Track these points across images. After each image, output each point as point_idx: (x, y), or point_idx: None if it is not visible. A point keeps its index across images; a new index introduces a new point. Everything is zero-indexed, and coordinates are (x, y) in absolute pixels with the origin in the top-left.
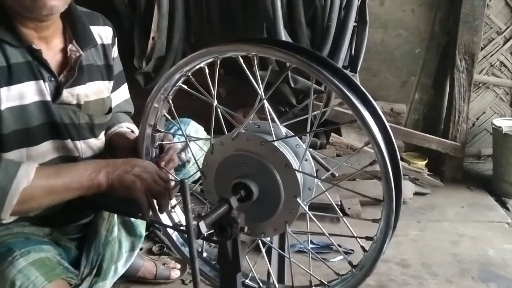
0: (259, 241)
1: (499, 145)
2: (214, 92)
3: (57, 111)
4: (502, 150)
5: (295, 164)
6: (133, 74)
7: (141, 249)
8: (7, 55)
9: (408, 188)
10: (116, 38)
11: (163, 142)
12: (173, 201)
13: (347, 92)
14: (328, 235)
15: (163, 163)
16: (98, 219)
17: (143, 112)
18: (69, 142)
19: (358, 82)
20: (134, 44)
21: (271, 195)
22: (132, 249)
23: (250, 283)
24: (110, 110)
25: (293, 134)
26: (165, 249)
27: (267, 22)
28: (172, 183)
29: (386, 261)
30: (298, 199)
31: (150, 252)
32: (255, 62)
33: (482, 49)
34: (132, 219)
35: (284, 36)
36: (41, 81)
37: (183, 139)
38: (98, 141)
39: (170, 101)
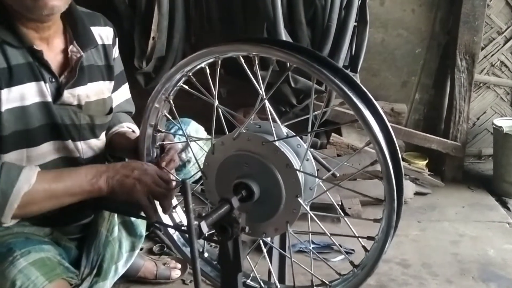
0: (260, 241)
1: (500, 145)
2: (215, 92)
3: (58, 112)
4: (502, 150)
5: (296, 164)
6: (133, 74)
7: (141, 249)
8: (8, 56)
9: (408, 188)
10: (116, 38)
11: (164, 142)
12: (174, 201)
13: (348, 92)
14: (329, 235)
15: (163, 163)
16: (98, 219)
17: (144, 113)
18: (70, 142)
19: (358, 82)
20: (134, 44)
21: (272, 195)
22: (132, 249)
23: (252, 283)
24: (111, 110)
25: (294, 134)
26: (165, 249)
27: (267, 22)
28: (173, 183)
29: (386, 261)
30: (299, 199)
31: (150, 252)
32: (256, 62)
33: (482, 49)
34: (133, 219)
35: (284, 36)
36: (42, 82)
37: (183, 139)
38: (99, 142)
39: (171, 101)
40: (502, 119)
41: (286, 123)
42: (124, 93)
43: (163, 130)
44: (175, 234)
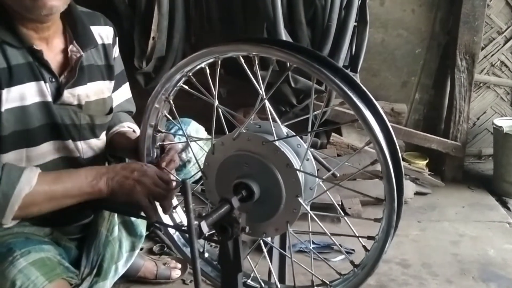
0: (261, 241)
1: (500, 145)
2: (215, 92)
3: (58, 112)
4: (502, 150)
5: (296, 163)
6: (133, 74)
7: (141, 249)
8: (8, 56)
9: (408, 188)
10: (117, 38)
11: (164, 143)
12: (175, 202)
13: (348, 92)
14: (330, 234)
15: (164, 164)
16: (98, 219)
17: (144, 113)
18: (70, 142)
19: (358, 82)
20: (134, 44)
21: (272, 195)
22: (132, 249)
23: (252, 283)
24: (111, 110)
25: (294, 134)
26: (165, 249)
27: (267, 22)
28: (174, 184)
29: (386, 261)
30: (299, 199)
31: (150, 252)
32: (256, 62)
33: (482, 49)
34: (133, 219)
35: (284, 36)
36: (42, 82)
37: (184, 139)
38: (99, 141)
39: (171, 102)
40: (502, 119)
41: (286, 123)
42: (124, 93)
43: (163, 130)
44: (176, 234)
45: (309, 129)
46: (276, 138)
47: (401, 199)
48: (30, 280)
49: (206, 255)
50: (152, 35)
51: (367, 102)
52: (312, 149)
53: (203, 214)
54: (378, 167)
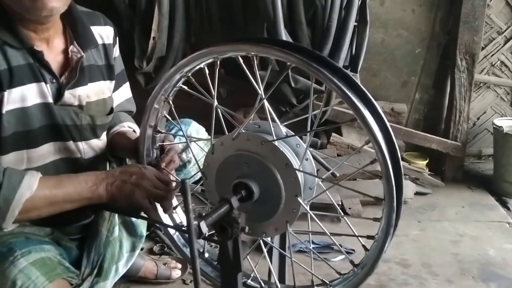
0: (260, 241)
1: (500, 145)
2: (214, 93)
3: (58, 113)
4: (502, 150)
5: (295, 163)
6: (133, 74)
7: (142, 249)
8: (8, 57)
9: (408, 188)
10: (117, 38)
11: (164, 143)
12: (175, 202)
13: (347, 91)
14: (329, 234)
15: (163, 164)
16: (99, 219)
17: (144, 114)
18: (71, 143)
19: (358, 82)
20: (134, 44)
21: (272, 194)
22: (133, 249)
23: (252, 283)
24: (111, 110)
25: (293, 134)
26: (166, 249)
27: (267, 22)
28: (173, 184)
29: (386, 261)
30: (299, 199)
31: (151, 252)
32: (255, 62)
33: (482, 49)
34: (133, 219)
35: (284, 36)
36: (43, 83)
37: (184, 139)
38: (100, 142)
39: (171, 102)
40: (502, 119)
41: (285, 123)
42: (125, 92)
43: (163, 131)
44: (176, 234)
45: (308, 129)
46: (275, 138)
47: (400, 199)
48: (31, 280)
49: (206, 255)
50: (152, 35)
51: (366, 102)
52: (311, 149)
53: (203, 214)
54: (378, 166)
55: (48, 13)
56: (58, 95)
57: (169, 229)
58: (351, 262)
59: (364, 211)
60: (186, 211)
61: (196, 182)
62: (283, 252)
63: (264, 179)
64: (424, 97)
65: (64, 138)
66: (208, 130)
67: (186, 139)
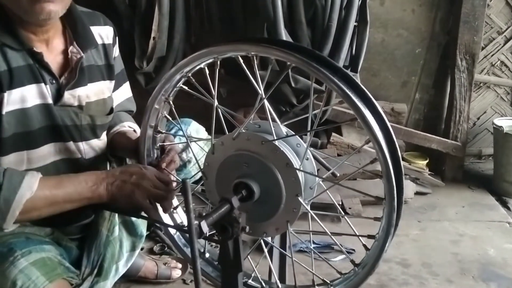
0: (261, 241)
1: (500, 145)
2: (214, 93)
3: (58, 114)
4: (503, 150)
5: (296, 163)
6: (133, 74)
7: (142, 249)
8: (8, 58)
9: (409, 187)
10: (117, 37)
11: (164, 143)
12: (175, 202)
13: (347, 91)
14: (330, 234)
15: (164, 165)
16: (99, 219)
17: (144, 114)
18: (71, 144)
19: (359, 82)
20: (134, 44)
21: (272, 194)
22: (133, 248)
23: (253, 283)
24: (111, 110)
25: (294, 133)
26: (166, 248)
27: (268, 22)
28: (174, 184)
29: (386, 260)
30: (299, 198)
31: (151, 251)
32: (255, 62)
33: (482, 48)
34: (133, 219)
35: (284, 36)
36: (43, 84)
37: (184, 139)
38: (100, 142)
39: (171, 102)
40: (502, 118)
41: (285, 123)
42: (125, 92)
43: (164, 131)
44: (176, 234)
45: (309, 129)
46: (275, 138)
47: (401, 198)
48: (31, 280)
49: (207, 255)
50: (152, 35)
51: (366, 101)
52: (311, 149)
53: (203, 214)
54: (378, 166)
55: (47, 17)
56: (58, 95)
57: (169, 229)
58: (352, 261)
59: (364, 210)
60: (187, 211)
61: (196, 182)
62: (284, 252)
63: (264, 179)
64: (424, 97)
65: (64, 139)
66: (209, 130)
67: (187, 139)
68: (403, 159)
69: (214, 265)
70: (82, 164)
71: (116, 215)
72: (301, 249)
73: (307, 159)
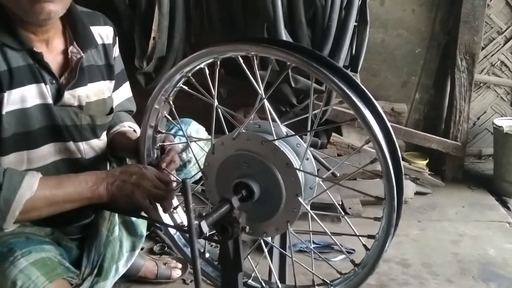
0: (261, 241)
1: (500, 145)
2: (214, 93)
3: (58, 114)
4: (503, 150)
5: (296, 163)
6: (133, 74)
7: (142, 249)
8: (8, 58)
9: (409, 187)
10: (117, 37)
11: (164, 143)
12: (175, 202)
13: (347, 91)
14: (330, 234)
15: (164, 164)
16: (99, 219)
17: (144, 114)
18: (71, 144)
19: (359, 82)
20: (134, 44)
21: (272, 194)
22: (133, 248)
23: (253, 283)
24: (111, 110)
25: (294, 133)
26: (166, 248)
27: (268, 22)
28: (174, 184)
29: (386, 260)
30: (299, 198)
31: (151, 251)
32: (255, 62)
33: (482, 48)
34: (133, 219)
35: (284, 36)
36: (42, 84)
37: (184, 139)
38: (100, 142)
39: (171, 102)
40: (502, 118)
41: (285, 123)
42: (125, 92)
43: (164, 131)
44: (176, 234)
45: (309, 129)
46: (275, 138)
47: (401, 198)
48: (31, 280)
49: (207, 255)
50: (152, 35)
51: (366, 101)
52: (311, 149)
53: (203, 214)
54: (378, 166)
55: (47, 17)
56: (58, 95)
57: (169, 229)
58: (352, 261)
59: (364, 210)
60: (187, 211)
61: (196, 182)
62: (284, 252)
63: (264, 179)
64: (424, 97)
65: (64, 139)
66: (209, 130)
67: (187, 139)
68: (403, 159)
69: (214, 265)
70: (82, 164)
71: (116, 215)
72: (301, 249)
73: (307, 159)
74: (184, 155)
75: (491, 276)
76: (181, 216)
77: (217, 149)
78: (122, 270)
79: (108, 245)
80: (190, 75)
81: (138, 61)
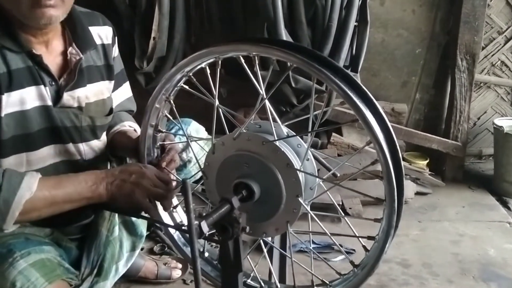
0: (261, 241)
1: (500, 145)
2: (215, 92)
3: (58, 115)
4: (503, 150)
5: (296, 163)
6: (133, 74)
7: (142, 249)
8: (8, 61)
9: (409, 188)
10: (116, 37)
11: (165, 142)
12: (175, 201)
13: (348, 92)
14: (330, 234)
15: (164, 164)
16: (99, 219)
17: (145, 113)
18: (70, 145)
19: (359, 82)
20: (134, 44)
21: (272, 195)
22: (133, 249)
23: (252, 283)
24: (111, 111)
25: (295, 134)
26: (166, 248)
27: (268, 22)
28: (174, 183)
29: (387, 261)
30: (299, 199)
31: (151, 252)
32: (256, 62)
33: (483, 48)
34: (133, 219)
35: (285, 36)
36: (42, 86)
37: (184, 139)
38: (100, 142)
39: (172, 102)
40: (502, 118)
41: (286, 123)
42: (125, 92)
43: (164, 130)
44: (176, 234)
45: (310, 129)
46: (276, 138)
47: (401, 200)
48: (30, 281)
49: (206, 254)
50: (152, 35)
51: (368, 102)
52: (312, 149)
53: (204, 214)
54: (379, 167)
55: (47, 21)
56: (57, 97)
57: (169, 228)
58: (351, 262)
59: (364, 211)
60: (187, 210)
61: (196, 181)
62: (284, 252)
63: (265, 179)
64: (425, 97)
65: (63, 140)
66: (209, 130)
67: (187, 139)
68: (403, 159)
69: (214, 265)
70: (81, 165)
71: (116, 215)
72: (302, 249)
73: (308, 159)
74: (184, 154)
75: (492, 276)
76: (180, 215)
77: (217, 149)
78: (122, 270)
79: (108, 245)
80: (191, 74)
81: (138, 61)
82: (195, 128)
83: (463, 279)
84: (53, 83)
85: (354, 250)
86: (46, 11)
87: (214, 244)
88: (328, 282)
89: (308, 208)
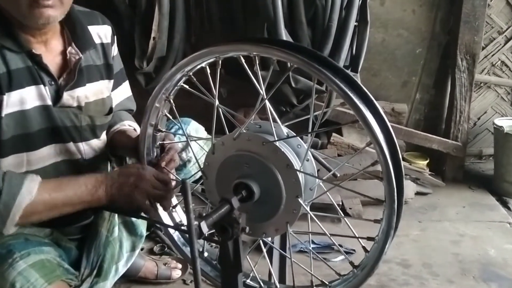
0: (260, 241)
1: (501, 145)
2: (215, 92)
3: (58, 115)
4: (503, 150)
5: (296, 164)
6: (133, 74)
7: (142, 249)
8: (7, 61)
9: (409, 188)
10: (115, 36)
11: (164, 142)
12: (174, 201)
13: (348, 92)
14: (329, 235)
15: (163, 163)
16: (98, 220)
17: (145, 113)
18: (71, 145)
19: (359, 82)
20: (134, 44)
21: (272, 195)
22: (133, 249)
23: (252, 283)
24: (110, 110)
25: (295, 134)
26: (166, 249)
27: (268, 22)
28: (173, 183)
29: (387, 261)
30: (299, 199)
31: (151, 252)
32: (257, 62)
33: (483, 48)
34: (133, 219)
35: (285, 36)
36: (42, 86)
37: (183, 138)
38: (100, 142)
39: (172, 101)
40: (502, 118)
41: (286, 123)
42: (124, 91)
43: (164, 130)
44: (175, 234)
45: (310, 130)
46: (276, 139)
47: (401, 200)
48: (30, 282)
49: (206, 254)
50: (152, 35)
51: (368, 103)
52: (312, 150)
53: (203, 214)
54: (379, 167)
55: (46, 21)
56: (57, 97)
57: (169, 228)
58: (351, 263)
59: (364, 211)
60: (187, 211)
61: (196, 182)
62: (283, 253)
63: (264, 180)
64: (425, 97)
65: (63, 140)
66: (209, 130)
67: (187, 138)
68: (404, 159)
69: (213, 265)
70: (82, 165)
71: (116, 215)
72: (301, 249)
73: (308, 160)
74: (184, 154)
75: (492, 276)
76: (180, 215)
77: (217, 149)
78: (122, 270)
79: (107, 245)
80: (191, 74)
81: (138, 61)
82: (194, 128)
83: (463, 279)
84: (53, 83)
85: (354, 250)
86: (44, 11)
87: (213, 244)
88: (327, 283)
89: (308, 209)
